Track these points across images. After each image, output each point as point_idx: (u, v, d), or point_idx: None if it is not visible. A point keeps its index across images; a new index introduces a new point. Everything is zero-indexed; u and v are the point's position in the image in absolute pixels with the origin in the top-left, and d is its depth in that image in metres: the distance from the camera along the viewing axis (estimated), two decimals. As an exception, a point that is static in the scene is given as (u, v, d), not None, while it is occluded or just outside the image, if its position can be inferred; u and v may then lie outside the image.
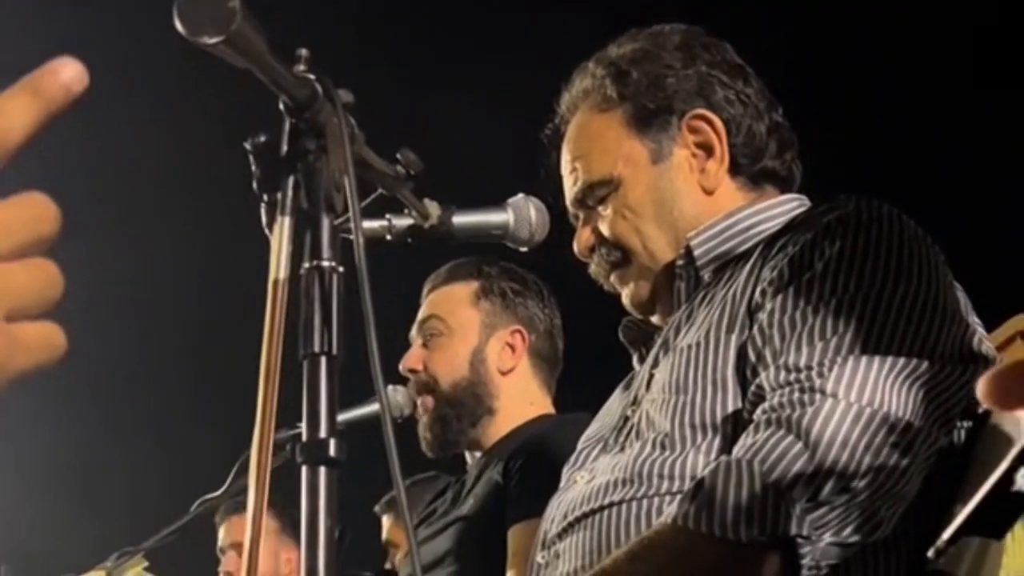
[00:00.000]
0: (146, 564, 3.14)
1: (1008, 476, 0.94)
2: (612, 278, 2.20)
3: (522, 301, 3.10)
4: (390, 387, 3.03)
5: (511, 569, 2.78)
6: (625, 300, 2.20)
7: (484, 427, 3.03)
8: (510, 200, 2.12)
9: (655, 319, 2.19)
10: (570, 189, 2.22)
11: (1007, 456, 0.94)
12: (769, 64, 2.22)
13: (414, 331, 3.11)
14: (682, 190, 2.15)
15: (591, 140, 2.20)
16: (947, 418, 1.80)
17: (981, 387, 0.93)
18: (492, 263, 3.10)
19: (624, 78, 2.17)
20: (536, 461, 2.85)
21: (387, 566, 4.52)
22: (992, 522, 0.96)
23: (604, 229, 2.17)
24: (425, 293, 3.14)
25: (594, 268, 2.22)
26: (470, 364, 3.04)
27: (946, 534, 0.96)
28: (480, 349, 3.05)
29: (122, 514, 5.03)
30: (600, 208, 2.17)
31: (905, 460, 1.73)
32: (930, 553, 1.00)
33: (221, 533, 4.58)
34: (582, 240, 2.21)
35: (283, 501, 4.00)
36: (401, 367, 3.07)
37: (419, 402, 3.05)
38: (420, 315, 3.12)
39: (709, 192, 2.15)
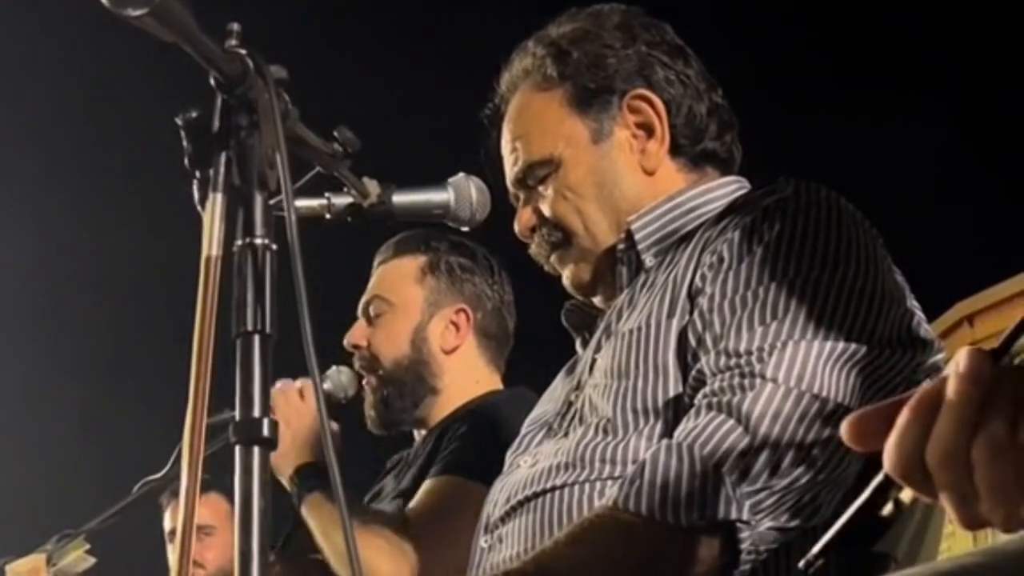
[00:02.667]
0: (87, 547, 3.11)
1: (873, 501, 1.03)
2: (552, 259, 2.19)
3: (469, 277, 3.07)
4: (334, 368, 3.02)
5: (409, 514, 2.77)
6: (566, 281, 2.19)
7: (428, 406, 3.02)
8: (451, 179, 2.11)
9: (597, 301, 2.19)
10: (510, 169, 2.20)
11: (872, 482, 1.03)
12: (707, 45, 2.21)
13: (360, 307, 3.09)
14: (623, 171, 2.14)
15: (531, 120, 2.19)
16: None
17: (844, 430, 1.01)
18: (441, 237, 3.07)
19: (564, 58, 2.16)
20: (473, 427, 2.86)
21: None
22: (859, 539, 1.04)
23: (545, 209, 2.16)
24: (375, 265, 3.13)
25: (534, 249, 2.21)
26: (411, 342, 3.02)
27: (815, 548, 1.05)
28: (422, 327, 3.03)
29: (63, 496, 4.99)
30: (541, 188, 2.17)
31: (844, 445, 1.73)
32: (800, 565, 1.07)
33: (167, 517, 4.55)
34: (523, 220, 2.20)
35: None
36: (345, 341, 3.05)
37: (364, 381, 3.03)
38: (366, 292, 3.10)
39: (650, 173, 2.14)
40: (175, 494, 4.28)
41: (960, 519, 0.99)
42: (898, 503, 1.03)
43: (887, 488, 1.03)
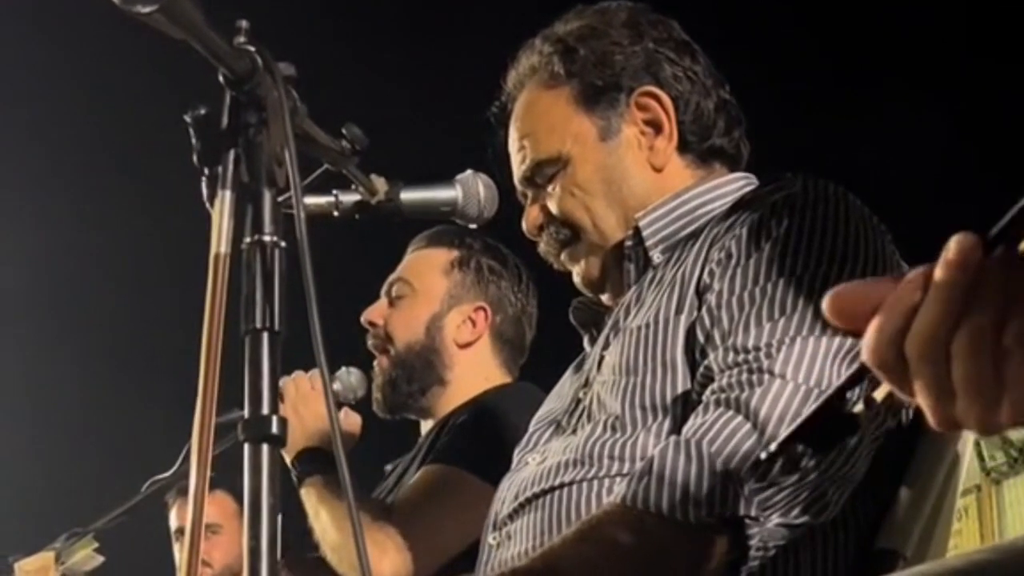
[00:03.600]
0: (96, 545, 3.11)
1: (838, 397, 1.00)
2: (563, 256, 2.19)
3: (496, 280, 3.09)
4: (344, 368, 3.02)
5: (397, 500, 2.79)
6: (576, 279, 2.19)
7: (435, 396, 3.02)
8: (458, 176, 2.12)
9: (605, 298, 2.19)
10: (518, 167, 2.20)
11: (841, 378, 1.00)
12: (712, 41, 2.21)
13: (383, 288, 3.10)
14: (631, 168, 2.14)
15: (538, 117, 2.18)
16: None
17: (825, 303, 0.95)
18: (477, 236, 3.09)
19: (571, 55, 2.15)
20: (473, 418, 2.88)
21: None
22: (820, 437, 1.02)
23: (553, 207, 2.16)
24: (408, 253, 3.15)
25: (543, 247, 2.21)
26: (426, 329, 3.03)
27: (779, 438, 1.02)
28: (439, 317, 3.04)
29: (71, 495, 4.99)
30: (549, 187, 2.16)
31: (853, 441, 1.73)
32: (762, 455, 1.04)
33: (172, 516, 4.54)
34: (531, 218, 2.20)
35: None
36: (363, 317, 3.07)
37: (375, 361, 3.05)
38: (393, 274, 3.12)
39: (658, 170, 2.14)
40: (181, 492, 4.29)
41: (934, 417, 0.94)
42: (870, 402, 1.00)
43: (860, 380, 1.00)
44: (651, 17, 2.18)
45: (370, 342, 3.07)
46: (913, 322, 0.92)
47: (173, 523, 4.55)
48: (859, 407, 1.01)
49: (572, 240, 2.16)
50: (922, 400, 0.93)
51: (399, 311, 3.06)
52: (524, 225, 2.22)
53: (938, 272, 0.91)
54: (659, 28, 2.17)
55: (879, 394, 0.99)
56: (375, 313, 3.07)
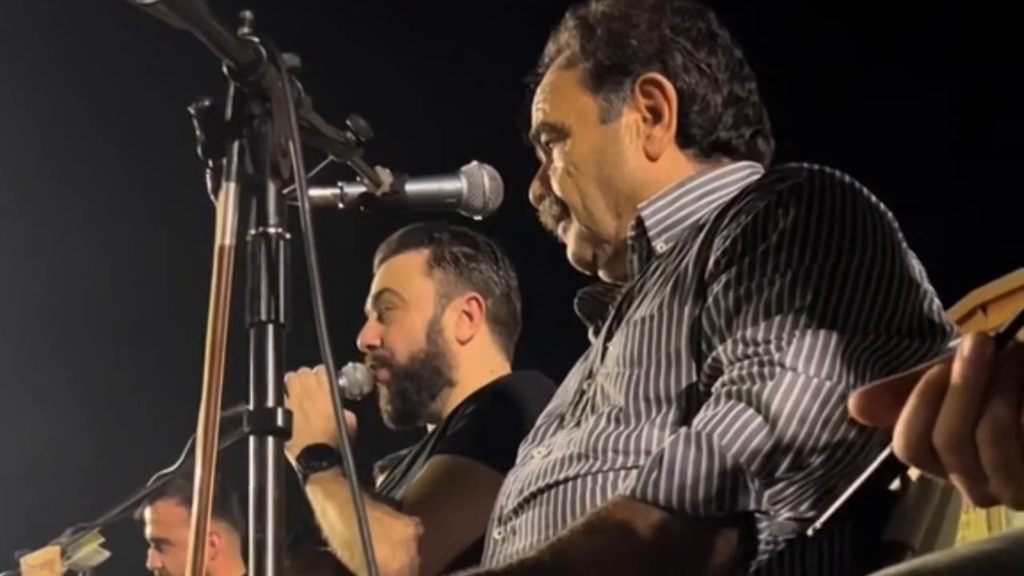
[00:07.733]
0: (102, 540, 3.12)
1: (880, 475, 1.08)
2: (559, 229, 2.22)
3: (475, 266, 3.07)
4: (350, 364, 3.01)
5: (405, 496, 2.78)
6: (569, 255, 2.22)
7: (444, 399, 3.01)
8: (464, 168, 2.12)
9: (603, 275, 2.19)
10: (532, 126, 2.25)
11: (877, 459, 1.07)
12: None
13: (369, 305, 3.07)
14: (625, 152, 2.15)
15: (554, 91, 2.22)
16: None
17: (852, 403, 1.05)
18: (442, 228, 3.06)
19: (589, 34, 2.18)
20: (481, 407, 2.87)
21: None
22: (866, 510, 1.13)
23: (553, 182, 2.19)
24: (377, 264, 3.10)
25: (542, 217, 2.25)
26: (427, 336, 3.00)
27: (823, 517, 1.10)
28: (437, 320, 3.02)
29: (77, 489, 5.00)
30: (555, 156, 2.19)
31: (862, 436, 1.72)
32: (808, 532, 1.12)
33: (147, 525, 4.45)
34: (534, 190, 2.25)
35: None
36: (359, 343, 3.03)
37: (377, 375, 3.02)
38: (373, 289, 3.08)
39: (652, 158, 2.14)
40: (151, 500, 4.26)
41: (971, 497, 1.03)
42: (905, 477, 1.06)
43: (894, 463, 1.07)
44: (678, 5, 2.18)
45: (369, 362, 3.03)
46: (938, 418, 1.01)
47: (148, 532, 4.46)
48: (896, 484, 1.07)
49: (563, 216, 2.20)
50: (957, 484, 1.03)
51: (394, 325, 3.02)
52: (530, 194, 2.26)
53: (955, 370, 1.01)
54: (683, 17, 2.17)
55: (914, 472, 1.08)
56: (370, 335, 3.03)
